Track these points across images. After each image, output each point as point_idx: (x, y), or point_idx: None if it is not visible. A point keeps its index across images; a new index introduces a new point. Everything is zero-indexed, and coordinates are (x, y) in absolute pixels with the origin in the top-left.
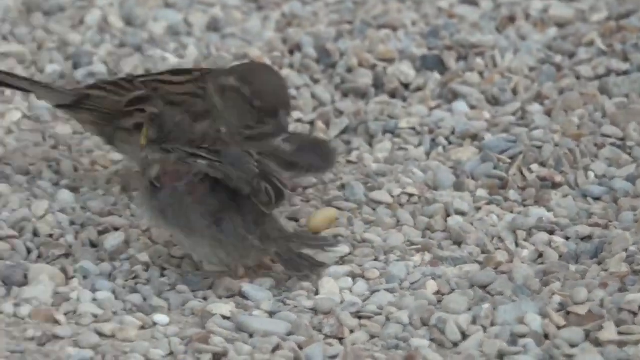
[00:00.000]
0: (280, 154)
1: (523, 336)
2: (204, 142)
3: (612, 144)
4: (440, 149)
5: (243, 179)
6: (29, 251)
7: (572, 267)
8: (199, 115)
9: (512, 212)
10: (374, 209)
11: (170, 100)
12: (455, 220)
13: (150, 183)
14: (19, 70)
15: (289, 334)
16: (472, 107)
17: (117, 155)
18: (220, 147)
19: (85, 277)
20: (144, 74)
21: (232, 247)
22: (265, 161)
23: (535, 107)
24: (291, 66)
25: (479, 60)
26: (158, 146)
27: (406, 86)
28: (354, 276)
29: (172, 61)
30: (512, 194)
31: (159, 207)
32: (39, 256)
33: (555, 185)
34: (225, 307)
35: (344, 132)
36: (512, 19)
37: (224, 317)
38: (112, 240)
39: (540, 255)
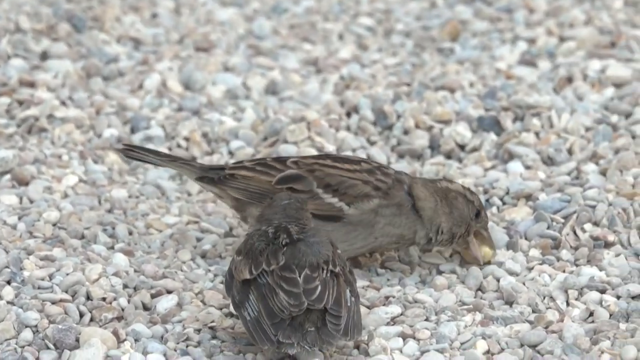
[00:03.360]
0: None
1: None
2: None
3: None
4: (494, 209)
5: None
6: (81, 315)
7: (622, 326)
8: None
9: (564, 271)
10: (428, 270)
11: (327, 182)
12: (507, 280)
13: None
14: (77, 135)
15: None
16: (528, 167)
17: (171, 219)
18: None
19: (137, 340)
20: (296, 156)
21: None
22: (346, 271)
23: (591, 167)
24: (348, 128)
25: (535, 120)
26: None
27: (462, 147)
28: (404, 336)
29: (230, 124)
30: (565, 253)
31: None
32: (92, 319)
33: (608, 245)
34: None
35: None
36: (569, 80)
37: None
38: (165, 303)
39: (591, 314)
